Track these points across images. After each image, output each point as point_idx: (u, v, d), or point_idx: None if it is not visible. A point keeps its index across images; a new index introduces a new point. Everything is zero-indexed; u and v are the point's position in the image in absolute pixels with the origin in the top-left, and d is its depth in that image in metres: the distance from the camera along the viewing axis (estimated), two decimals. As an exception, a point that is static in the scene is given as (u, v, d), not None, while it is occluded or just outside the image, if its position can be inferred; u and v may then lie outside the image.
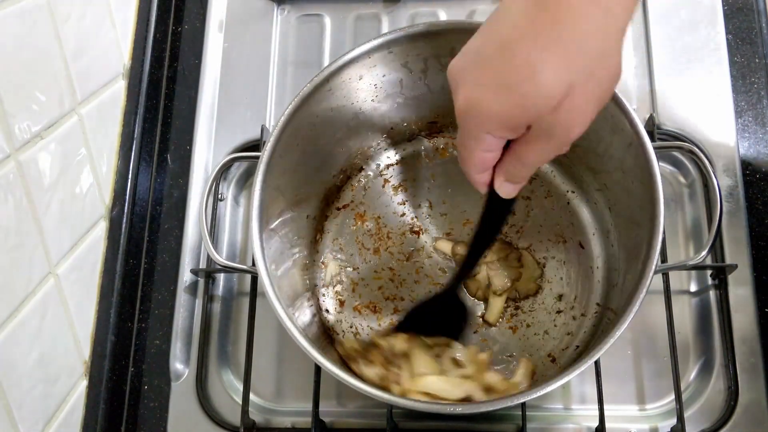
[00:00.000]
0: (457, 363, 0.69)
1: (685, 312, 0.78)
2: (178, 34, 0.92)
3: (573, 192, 0.81)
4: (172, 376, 0.79)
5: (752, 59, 0.86)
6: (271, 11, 0.93)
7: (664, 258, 0.78)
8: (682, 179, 0.84)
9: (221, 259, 0.71)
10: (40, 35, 0.66)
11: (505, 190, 0.55)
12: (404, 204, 0.83)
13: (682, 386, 0.75)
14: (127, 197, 0.81)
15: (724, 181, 0.81)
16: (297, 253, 0.78)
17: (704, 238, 0.80)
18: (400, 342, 0.69)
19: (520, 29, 0.45)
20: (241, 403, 0.74)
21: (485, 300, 0.78)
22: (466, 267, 0.68)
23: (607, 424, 0.70)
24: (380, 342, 0.69)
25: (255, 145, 0.86)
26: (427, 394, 0.65)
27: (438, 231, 0.82)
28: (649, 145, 0.64)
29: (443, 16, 0.91)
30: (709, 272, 0.79)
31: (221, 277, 0.83)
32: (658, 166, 0.63)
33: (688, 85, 0.85)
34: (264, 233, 0.67)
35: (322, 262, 0.82)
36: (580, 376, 0.70)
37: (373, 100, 0.77)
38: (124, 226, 0.80)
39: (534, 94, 0.45)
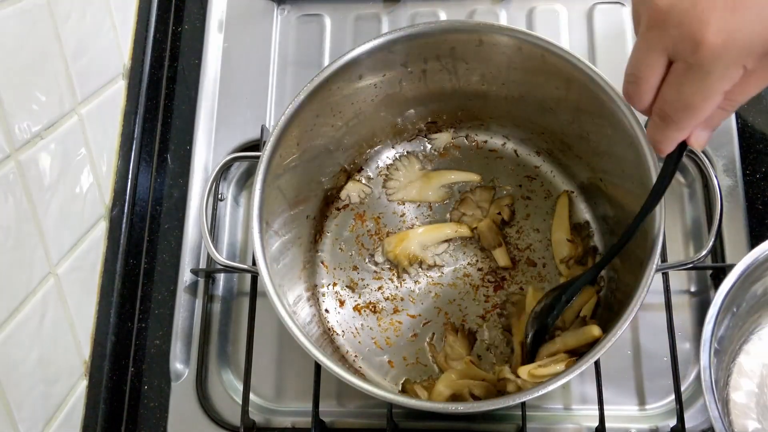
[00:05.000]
0: None
1: (685, 312, 0.78)
2: (178, 34, 0.92)
3: (573, 192, 0.81)
4: (172, 376, 0.79)
5: (752, 59, 0.86)
6: (271, 11, 0.93)
7: (664, 258, 0.78)
8: (682, 179, 0.84)
9: (222, 258, 0.71)
10: (40, 35, 0.66)
11: (702, 139, 0.54)
12: (404, 204, 0.83)
13: (682, 386, 0.75)
14: (127, 197, 0.81)
15: (724, 181, 0.81)
16: (297, 253, 0.78)
17: (704, 238, 0.80)
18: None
19: None
20: (241, 403, 0.74)
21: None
22: (618, 247, 0.65)
23: (607, 424, 0.70)
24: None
25: (255, 145, 0.86)
26: None
27: (438, 231, 0.82)
28: (649, 145, 0.64)
29: (443, 16, 0.91)
30: (709, 272, 0.79)
31: (221, 277, 0.83)
32: (658, 166, 0.63)
33: (688, 85, 0.85)
34: (264, 233, 0.67)
35: (322, 262, 0.82)
36: (580, 376, 0.70)
37: (372, 100, 0.77)
38: (124, 226, 0.80)
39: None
